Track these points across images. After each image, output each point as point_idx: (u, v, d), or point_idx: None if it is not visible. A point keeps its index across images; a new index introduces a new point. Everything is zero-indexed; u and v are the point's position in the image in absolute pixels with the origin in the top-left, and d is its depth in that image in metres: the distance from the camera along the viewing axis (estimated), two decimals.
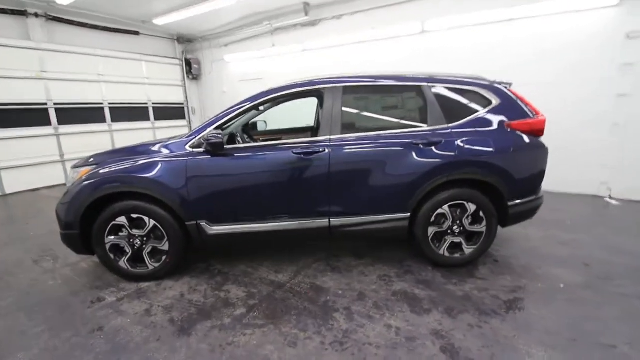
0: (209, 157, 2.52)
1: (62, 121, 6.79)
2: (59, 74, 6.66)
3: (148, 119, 8.45)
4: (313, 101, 4.21)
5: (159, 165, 2.50)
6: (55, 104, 6.66)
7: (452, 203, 2.63)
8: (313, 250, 3.23)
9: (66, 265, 3.13)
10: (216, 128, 2.59)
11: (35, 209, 5.22)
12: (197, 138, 2.57)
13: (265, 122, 4.51)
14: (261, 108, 3.92)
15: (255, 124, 4.31)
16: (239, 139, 3.40)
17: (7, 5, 5.94)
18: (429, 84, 2.67)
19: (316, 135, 2.65)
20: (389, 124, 2.69)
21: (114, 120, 7.66)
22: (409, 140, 2.55)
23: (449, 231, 2.70)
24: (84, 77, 7.07)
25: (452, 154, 2.54)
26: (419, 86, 2.66)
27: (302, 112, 4.69)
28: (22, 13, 6.11)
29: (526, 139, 2.64)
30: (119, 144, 7.41)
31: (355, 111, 2.74)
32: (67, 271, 3.00)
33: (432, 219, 2.65)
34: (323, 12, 6.66)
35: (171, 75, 8.93)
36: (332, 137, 2.58)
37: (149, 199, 2.54)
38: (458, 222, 2.69)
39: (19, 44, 6.08)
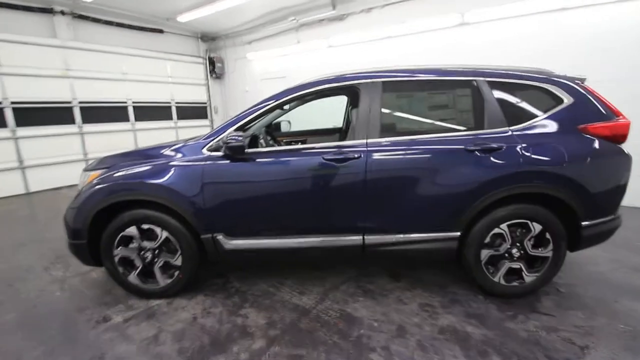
0: (228, 161, 2.22)
1: (86, 120, 6.78)
2: (84, 72, 6.64)
3: (171, 118, 8.38)
4: (340, 100, 3.87)
5: (172, 170, 2.22)
6: (79, 102, 6.64)
7: (512, 222, 2.20)
8: (341, 267, 2.87)
9: (77, 274, 2.93)
10: (237, 129, 2.28)
11: (55, 208, 5.15)
12: (215, 140, 2.27)
13: (289, 122, 4.19)
14: (286, 107, 3.63)
15: (278, 125, 4.01)
16: (261, 141, 3.10)
17: (34, 3, 5.94)
18: (487, 79, 2.24)
19: (346, 138, 2.29)
20: (438, 127, 2.28)
21: (137, 119, 7.61)
22: (462, 146, 2.14)
23: (506, 255, 2.26)
24: (108, 76, 7.03)
25: (515, 162, 2.10)
26: (474, 81, 2.24)
27: (328, 112, 4.34)
28: (49, 11, 6.11)
29: (606, 146, 2.16)
30: (142, 143, 7.34)
31: (397, 111, 2.35)
32: (77, 282, 2.80)
33: (487, 240, 2.23)
34: (351, 6, 6.29)
35: (194, 74, 8.82)
36: (369, 141, 2.20)
37: (162, 207, 2.27)
38: (518, 244, 2.25)
39: (45, 42, 6.09)
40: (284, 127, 4.07)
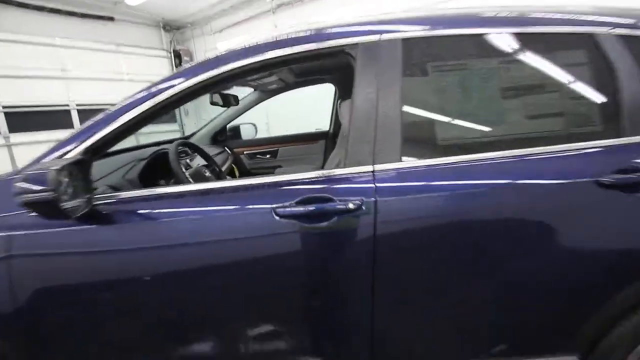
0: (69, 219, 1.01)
1: (14, 128, 5.43)
2: (8, 70, 5.32)
3: None
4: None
5: None
6: (4, 107, 5.31)
7: None
8: None
9: None
10: (89, 151, 1.06)
11: None
12: None
13: (254, 125, 2.98)
14: (246, 102, 2.44)
15: (237, 130, 2.81)
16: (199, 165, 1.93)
17: None
18: (619, 31, 1.05)
19: (337, 160, 1.11)
20: (525, 135, 1.08)
21: None
22: (587, 178, 0.95)
23: None
24: (43, 73, 5.71)
25: None
26: (594, 36, 1.05)
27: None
28: None
29: None
30: None
31: (435, 104, 1.15)
32: None
33: None
34: None
35: (157, 69, 7.51)
36: (377, 167, 1.00)
37: None
38: None
39: None
40: (246, 133, 2.87)
